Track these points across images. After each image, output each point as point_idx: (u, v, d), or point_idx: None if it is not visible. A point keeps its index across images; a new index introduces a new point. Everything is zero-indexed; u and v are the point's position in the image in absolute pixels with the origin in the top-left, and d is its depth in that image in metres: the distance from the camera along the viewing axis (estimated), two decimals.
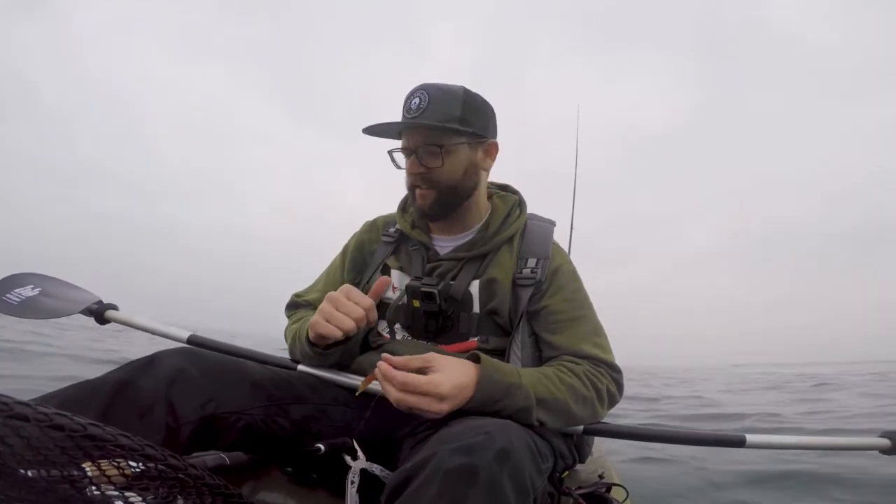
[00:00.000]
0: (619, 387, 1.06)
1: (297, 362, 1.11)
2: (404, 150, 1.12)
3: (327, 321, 0.97)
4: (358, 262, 1.29)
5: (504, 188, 1.30)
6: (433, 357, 0.87)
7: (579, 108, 2.61)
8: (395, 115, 1.11)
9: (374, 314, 1.00)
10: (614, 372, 1.06)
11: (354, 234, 1.33)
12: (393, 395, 0.82)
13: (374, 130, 1.12)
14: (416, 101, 1.08)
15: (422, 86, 1.10)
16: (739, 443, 0.99)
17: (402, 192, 1.22)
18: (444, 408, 0.83)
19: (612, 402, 1.05)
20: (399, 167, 1.15)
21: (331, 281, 1.30)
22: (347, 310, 0.97)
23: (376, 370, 0.85)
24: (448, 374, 0.84)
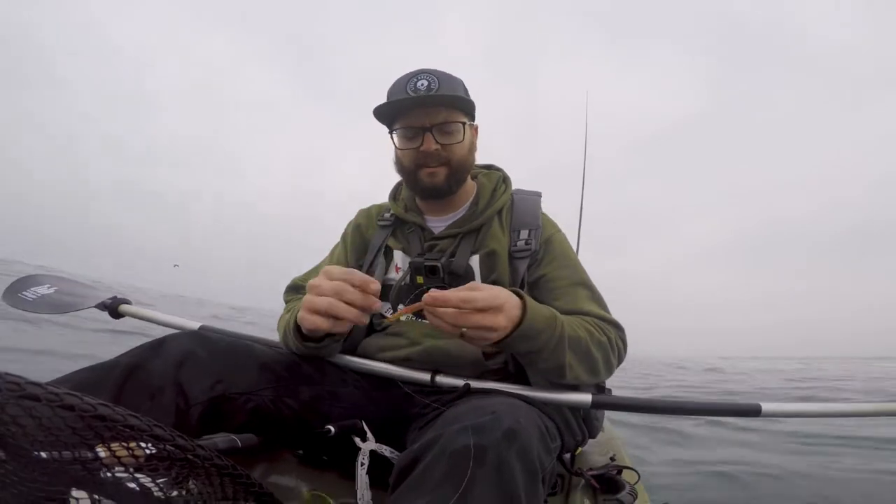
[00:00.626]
0: (625, 343, 1.09)
1: None
2: (412, 128, 1.13)
3: (329, 314, 0.86)
4: (358, 246, 1.30)
5: (488, 167, 1.33)
6: (476, 283, 0.89)
7: (587, 94, 2.58)
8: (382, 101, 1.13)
9: (379, 303, 0.92)
10: (619, 329, 1.09)
11: (350, 222, 1.35)
12: (450, 317, 0.82)
13: (390, 107, 1.13)
14: (424, 82, 1.11)
15: (422, 70, 1.13)
16: (755, 412, 0.97)
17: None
18: (501, 321, 0.84)
19: (620, 356, 1.08)
20: (400, 147, 1.16)
21: (335, 264, 1.29)
22: (352, 298, 0.86)
23: (423, 300, 0.83)
24: (499, 290, 0.86)
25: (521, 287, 1.12)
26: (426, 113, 1.11)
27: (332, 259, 1.33)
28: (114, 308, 1.38)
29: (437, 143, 1.12)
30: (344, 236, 1.34)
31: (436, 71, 1.13)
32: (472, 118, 1.19)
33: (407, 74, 1.14)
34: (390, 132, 1.16)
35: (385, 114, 1.15)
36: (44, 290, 1.42)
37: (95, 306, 1.40)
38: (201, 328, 1.23)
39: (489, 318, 0.83)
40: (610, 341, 1.03)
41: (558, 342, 0.93)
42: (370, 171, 51.63)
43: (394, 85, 1.15)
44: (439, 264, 1.10)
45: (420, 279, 1.12)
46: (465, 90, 1.17)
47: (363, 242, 1.30)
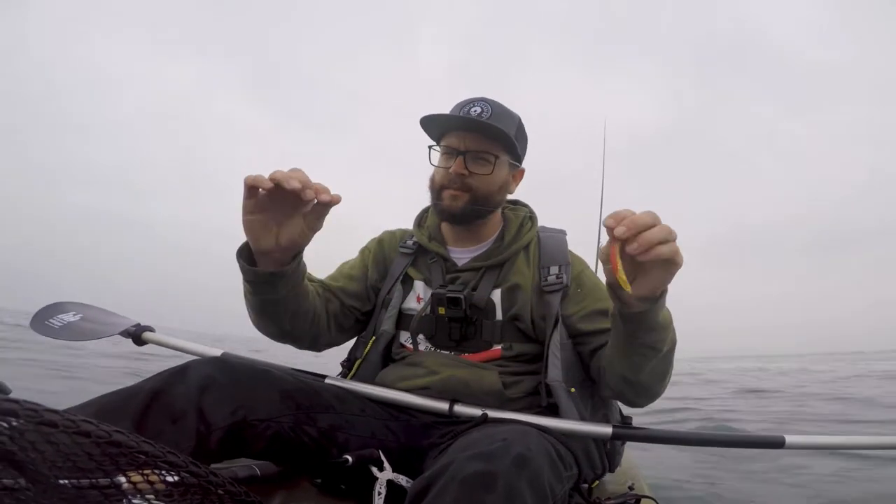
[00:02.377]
0: None
1: (325, 376, 1.12)
2: (449, 149, 1.15)
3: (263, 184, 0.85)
4: (379, 263, 1.29)
5: (514, 202, 1.33)
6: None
7: (606, 120, 2.56)
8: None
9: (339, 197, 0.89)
10: None
11: (374, 239, 1.35)
12: (671, 246, 0.74)
13: (435, 121, 1.15)
14: (478, 109, 1.13)
15: (482, 98, 1.17)
16: (778, 444, 0.95)
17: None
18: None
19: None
20: (434, 165, 1.18)
21: (347, 272, 1.29)
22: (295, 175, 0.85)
23: (618, 231, 0.73)
24: None
25: (556, 321, 1.11)
26: (465, 137, 1.13)
27: (345, 265, 1.32)
28: (137, 335, 1.40)
29: (466, 168, 1.13)
30: (364, 251, 1.34)
31: (494, 102, 1.16)
32: (517, 158, 1.21)
33: (468, 99, 1.17)
34: (431, 147, 1.19)
35: (431, 129, 1.18)
36: (69, 317, 1.45)
37: (119, 333, 1.42)
38: (224, 355, 1.25)
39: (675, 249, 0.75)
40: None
41: (670, 325, 0.91)
42: (349, 195, 50.28)
43: (454, 106, 1.18)
44: (462, 296, 1.10)
45: (442, 310, 1.12)
46: (521, 129, 1.20)
47: (384, 261, 1.29)
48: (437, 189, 1.17)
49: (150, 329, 1.42)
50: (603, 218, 0.77)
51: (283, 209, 0.91)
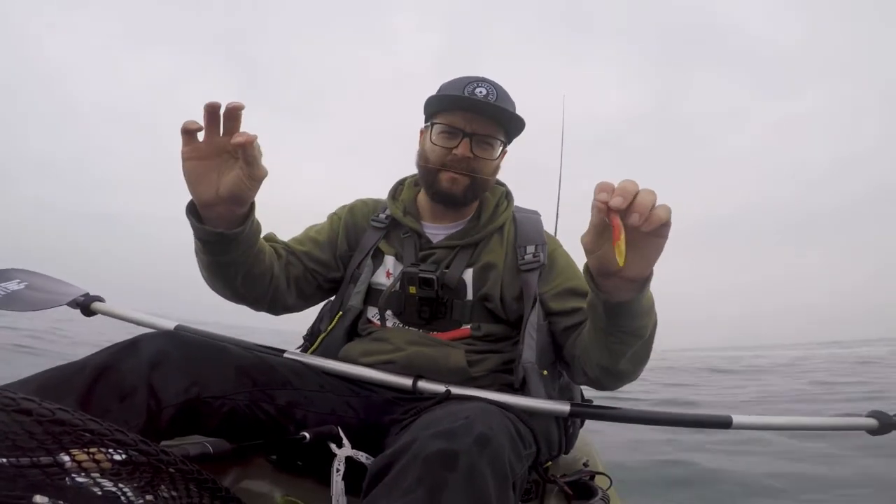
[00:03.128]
0: None
1: (283, 350, 1.10)
2: (453, 129, 1.12)
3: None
4: (350, 235, 1.27)
5: None
6: None
7: (564, 99, 2.57)
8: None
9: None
10: None
11: (344, 206, 1.31)
12: (665, 207, 0.73)
13: (445, 100, 1.12)
14: (483, 90, 1.11)
15: (482, 78, 1.13)
16: (726, 424, 0.98)
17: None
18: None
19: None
20: (434, 143, 1.14)
21: (313, 236, 1.26)
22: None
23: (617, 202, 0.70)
24: None
25: (534, 302, 1.12)
26: (473, 119, 1.11)
27: (311, 229, 1.28)
28: (86, 306, 1.34)
29: (471, 151, 1.11)
30: (333, 216, 1.30)
31: (494, 83, 1.13)
32: (510, 141, 1.19)
33: (465, 77, 1.14)
34: (428, 124, 1.16)
35: (432, 106, 1.15)
36: (13, 285, 1.38)
37: (68, 304, 1.36)
38: (177, 328, 1.21)
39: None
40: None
41: (653, 309, 0.91)
42: (328, 180, 47.59)
43: (450, 84, 1.14)
44: (434, 277, 1.09)
45: (413, 289, 1.11)
46: (516, 108, 1.17)
47: (355, 231, 1.27)
48: (435, 170, 1.14)
49: (100, 299, 1.37)
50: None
51: (222, 157, 0.88)
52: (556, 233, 2.00)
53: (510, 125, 1.14)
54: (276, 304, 1.18)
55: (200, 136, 0.86)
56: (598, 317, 0.91)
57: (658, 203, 0.72)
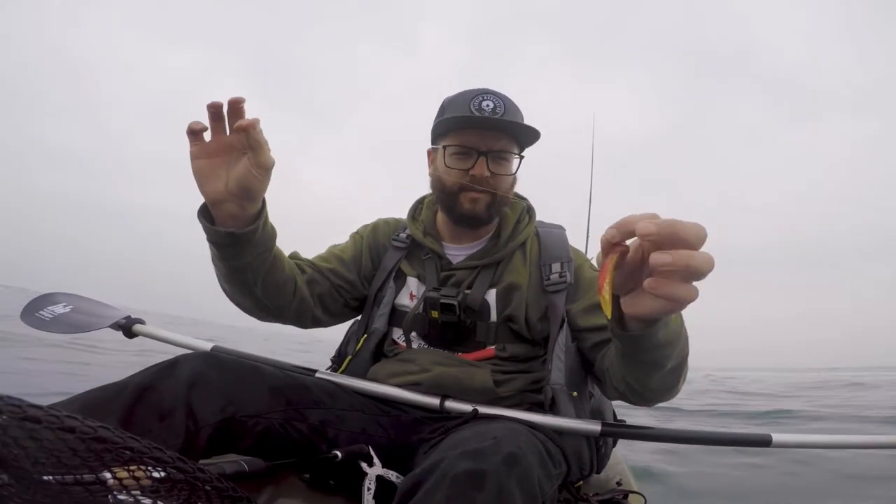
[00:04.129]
0: None
1: (315, 370, 1.12)
2: (467, 149, 1.10)
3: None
4: (374, 254, 1.27)
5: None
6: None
7: (594, 116, 2.55)
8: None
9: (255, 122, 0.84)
10: None
11: (367, 225, 1.32)
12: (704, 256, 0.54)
13: (455, 122, 1.09)
14: (490, 104, 1.08)
15: (487, 90, 1.11)
16: (765, 442, 0.95)
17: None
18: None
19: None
20: (449, 165, 1.12)
21: (338, 255, 1.26)
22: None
23: (644, 227, 0.54)
24: None
25: (562, 323, 1.09)
26: (485, 136, 1.09)
27: (335, 248, 1.28)
28: (128, 328, 1.39)
29: (488, 169, 1.09)
30: (356, 236, 1.31)
31: (501, 94, 1.11)
32: (522, 150, 1.16)
33: (470, 91, 1.11)
34: (436, 147, 1.15)
35: (440, 128, 1.13)
36: (59, 309, 1.44)
37: (110, 326, 1.41)
38: (214, 349, 1.24)
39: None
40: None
41: (678, 340, 0.79)
42: (341, 184, 47.57)
43: (453, 100, 1.13)
44: (456, 303, 1.08)
45: (435, 314, 1.11)
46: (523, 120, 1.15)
47: (377, 251, 1.27)
48: (454, 192, 1.12)
49: (141, 321, 1.41)
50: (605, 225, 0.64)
51: (230, 154, 0.87)
52: (586, 250, 1.98)
53: (523, 137, 1.12)
54: (302, 316, 1.18)
55: (207, 136, 0.87)
56: (614, 342, 0.84)
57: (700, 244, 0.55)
